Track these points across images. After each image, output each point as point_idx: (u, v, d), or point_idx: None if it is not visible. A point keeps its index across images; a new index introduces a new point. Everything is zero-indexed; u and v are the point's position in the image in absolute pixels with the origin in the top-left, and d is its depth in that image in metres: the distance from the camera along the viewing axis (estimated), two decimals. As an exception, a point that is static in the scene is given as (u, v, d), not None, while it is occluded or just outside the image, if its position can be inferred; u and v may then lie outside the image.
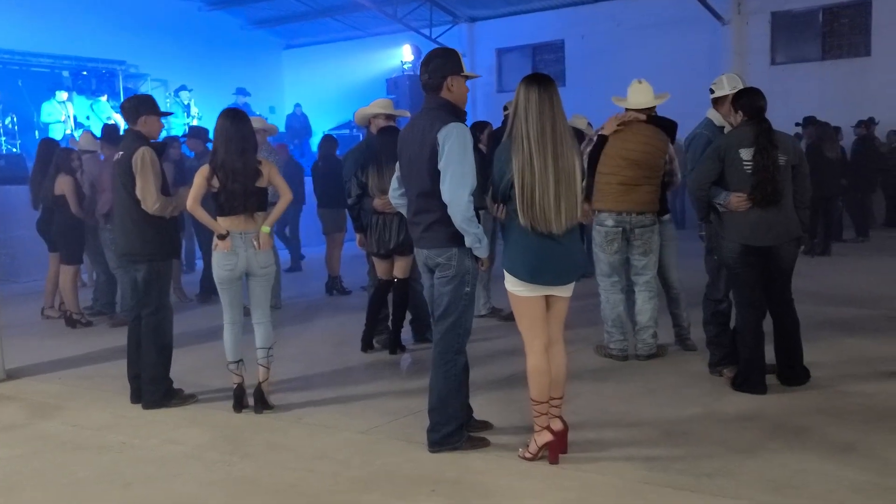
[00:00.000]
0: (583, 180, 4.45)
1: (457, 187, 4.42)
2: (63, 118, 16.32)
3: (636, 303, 6.72)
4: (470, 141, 4.50)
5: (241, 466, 4.68)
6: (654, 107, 6.61)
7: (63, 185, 8.80)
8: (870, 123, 15.00)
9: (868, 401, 5.43)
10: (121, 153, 5.89)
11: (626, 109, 6.54)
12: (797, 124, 13.87)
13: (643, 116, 6.46)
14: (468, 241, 4.51)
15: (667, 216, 6.83)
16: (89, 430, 5.44)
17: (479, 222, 4.56)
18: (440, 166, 4.46)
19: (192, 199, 5.48)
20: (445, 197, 4.45)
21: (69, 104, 16.74)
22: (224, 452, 4.91)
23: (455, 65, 4.64)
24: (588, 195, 6.54)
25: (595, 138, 6.50)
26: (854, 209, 14.65)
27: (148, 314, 5.84)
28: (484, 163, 7.80)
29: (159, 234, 5.84)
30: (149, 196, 5.71)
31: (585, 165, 6.50)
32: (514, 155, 4.30)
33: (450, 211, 4.46)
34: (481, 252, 4.56)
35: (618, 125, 6.42)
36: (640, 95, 6.51)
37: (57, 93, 16.63)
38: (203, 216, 5.51)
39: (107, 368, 7.04)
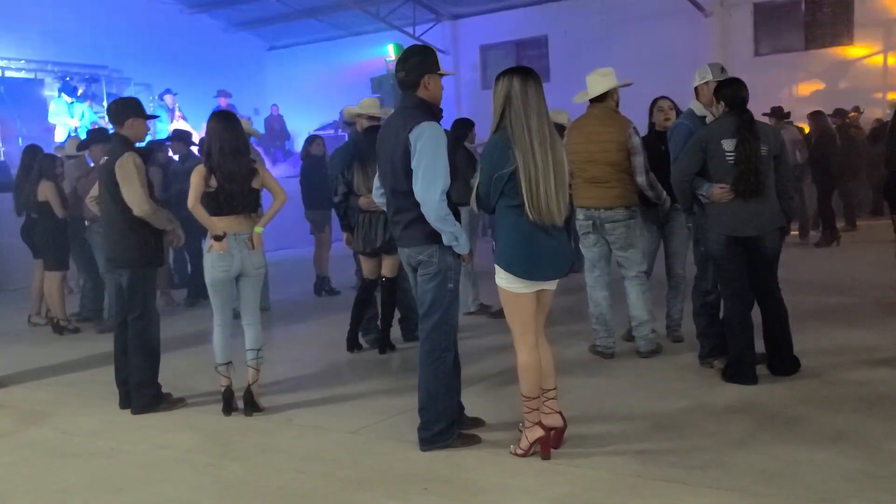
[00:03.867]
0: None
1: (428, 186, 4.43)
2: (75, 124, 16.18)
3: (629, 297, 6.59)
4: (443, 139, 4.49)
5: (231, 469, 4.65)
6: (614, 90, 6.40)
7: (45, 190, 8.74)
8: (855, 111, 15.04)
9: (858, 389, 5.43)
10: (106, 158, 5.86)
11: (590, 101, 6.43)
12: (765, 114, 13.65)
13: None
14: (445, 240, 4.51)
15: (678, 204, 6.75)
16: (78, 437, 5.40)
17: (459, 219, 4.57)
18: (413, 165, 4.47)
19: (193, 198, 5.45)
20: (418, 196, 4.47)
21: (80, 106, 16.63)
22: (214, 456, 4.89)
23: (432, 63, 4.64)
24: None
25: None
26: (843, 198, 14.68)
27: (133, 319, 5.81)
28: (470, 160, 7.85)
29: (143, 241, 5.80)
30: (135, 200, 5.66)
31: None
32: (516, 148, 4.25)
33: (423, 210, 4.48)
34: (460, 249, 4.56)
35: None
36: (595, 86, 6.38)
37: (63, 94, 16.55)
38: (203, 216, 5.47)
39: (95, 374, 7.00)
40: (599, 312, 6.60)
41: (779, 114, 13.12)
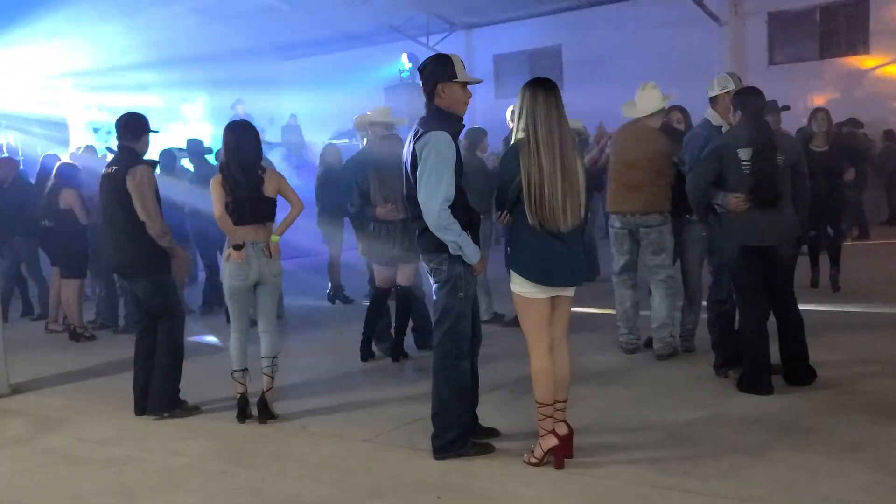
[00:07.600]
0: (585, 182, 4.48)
1: (429, 195, 4.45)
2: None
3: (653, 300, 6.76)
4: (449, 149, 4.50)
5: (245, 477, 4.66)
6: (664, 108, 6.75)
7: (69, 198, 8.81)
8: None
9: (875, 399, 5.41)
10: (114, 167, 5.89)
11: (636, 119, 6.70)
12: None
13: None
14: (450, 249, 4.52)
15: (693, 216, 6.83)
16: (94, 444, 5.42)
17: (477, 228, 4.58)
18: (417, 173, 4.50)
19: (219, 209, 5.50)
20: (420, 204, 4.50)
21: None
22: (228, 463, 4.90)
23: (445, 71, 4.62)
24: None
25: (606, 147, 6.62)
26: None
27: (163, 322, 5.88)
28: (481, 169, 7.85)
29: (153, 246, 5.83)
30: (151, 218, 5.74)
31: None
32: (521, 156, 4.33)
33: (424, 218, 4.50)
34: (468, 258, 4.56)
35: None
36: (646, 102, 6.65)
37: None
38: (227, 225, 5.52)
39: (111, 382, 7.03)
40: (624, 310, 6.85)
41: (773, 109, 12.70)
